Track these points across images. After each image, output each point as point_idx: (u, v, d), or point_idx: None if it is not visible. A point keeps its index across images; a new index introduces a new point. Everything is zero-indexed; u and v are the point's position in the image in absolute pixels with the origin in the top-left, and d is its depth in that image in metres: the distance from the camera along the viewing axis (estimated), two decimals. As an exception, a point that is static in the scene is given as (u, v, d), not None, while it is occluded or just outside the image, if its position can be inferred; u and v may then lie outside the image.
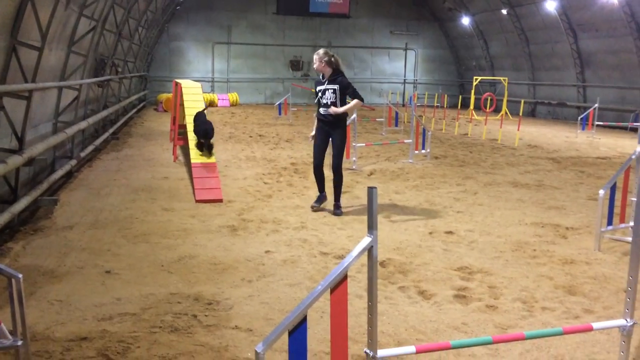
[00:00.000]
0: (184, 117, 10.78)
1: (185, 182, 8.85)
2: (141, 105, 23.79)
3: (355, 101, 6.91)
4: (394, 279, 4.89)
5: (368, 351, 2.66)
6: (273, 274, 4.94)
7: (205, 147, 8.85)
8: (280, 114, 22.11)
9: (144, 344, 3.55)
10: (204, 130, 8.98)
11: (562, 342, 3.75)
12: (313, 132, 7.10)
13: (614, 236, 6.21)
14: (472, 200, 8.09)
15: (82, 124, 9.86)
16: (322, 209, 7.17)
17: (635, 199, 2.79)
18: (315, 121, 7.11)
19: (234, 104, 27.60)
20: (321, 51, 6.95)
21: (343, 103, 6.88)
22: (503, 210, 7.52)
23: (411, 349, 2.76)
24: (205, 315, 4.05)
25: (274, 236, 6.08)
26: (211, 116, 19.76)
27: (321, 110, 6.92)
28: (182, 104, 10.85)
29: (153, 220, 6.55)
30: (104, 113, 12.55)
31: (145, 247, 5.58)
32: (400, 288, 4.68)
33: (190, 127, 9.56)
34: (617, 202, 6.14)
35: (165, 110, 22.83)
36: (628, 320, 3.01)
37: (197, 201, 7.50)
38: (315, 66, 6.92)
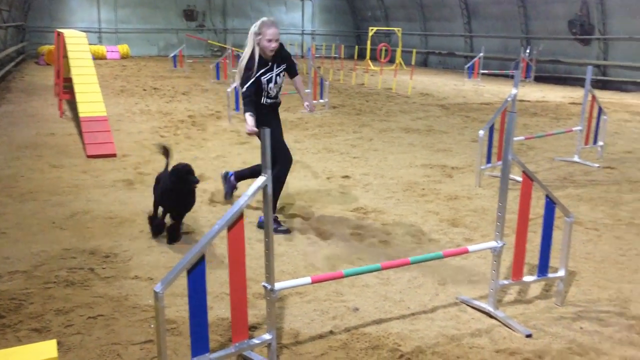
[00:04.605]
0: (68, 70, 10.09)
1: (74, 137, 8.39)
2: (20, 58, 21.85)
3: (300, 82, 5.35)
4: (294, 223, 5.05)
5: (266, 284, 2.78)
6: (173, 224, 4.91)
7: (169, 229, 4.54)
8: (175, 66, 21.26)
9: (38, 299, 3.46)
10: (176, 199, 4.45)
11: (444, 268, 4.12)
12: (252, 123, 4.51)
13: (492, 173, 6.79)
14: (367, 146, 8.42)
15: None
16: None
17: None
18: (250, 112, 4.56)
19: (124, 57, 26.10)
20: (272, 21, 4.65)
21: None
22: (396, 154, 7.91)
23: (307, 279, 2.93)
24: (103, 268, 3.98)
25: (173, 188, 5.99)
26: (100, 69, 18.65)
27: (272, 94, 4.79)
28: (65, 56, 10.14)
29: (40, 178, 6.21)
30: (-25, 66, 11.45)
31: (33, 205, 5.31)
32: (299, 230, 4.86)
33: (77, 80, 8.99)
34: (496, 143, 6.69)
35: (48, 64, 21.14)
36: (498, 242, 3.37)
37: (88, 156, 7.17)
38: (272, 47, 4.58)
